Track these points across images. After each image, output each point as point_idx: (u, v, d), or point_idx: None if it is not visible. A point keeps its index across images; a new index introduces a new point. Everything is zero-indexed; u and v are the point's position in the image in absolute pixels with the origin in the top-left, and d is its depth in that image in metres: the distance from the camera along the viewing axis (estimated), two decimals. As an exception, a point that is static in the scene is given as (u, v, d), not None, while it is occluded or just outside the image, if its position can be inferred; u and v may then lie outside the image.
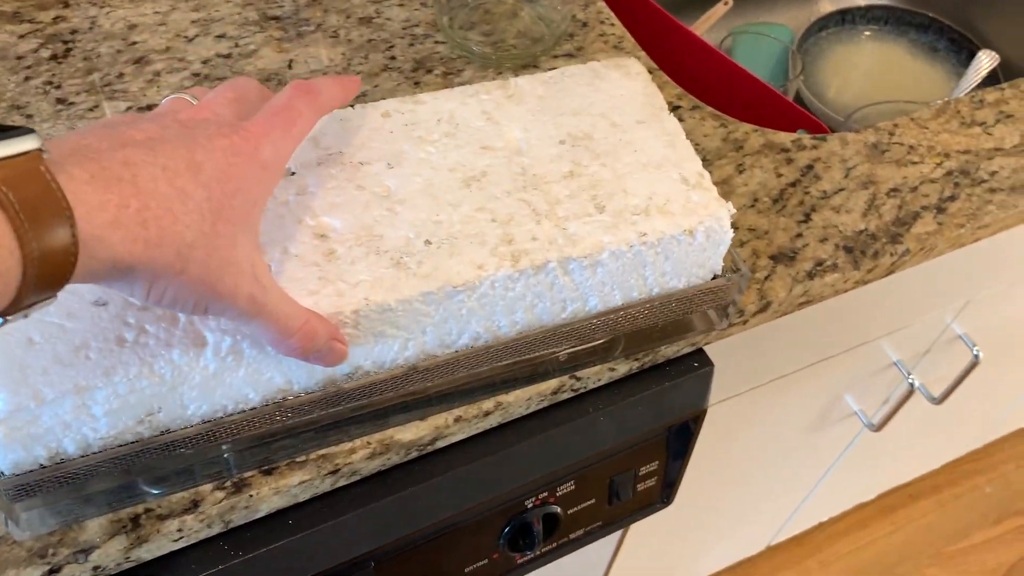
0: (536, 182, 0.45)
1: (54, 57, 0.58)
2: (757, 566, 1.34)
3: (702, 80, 0.78)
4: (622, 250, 0.42)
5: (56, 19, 0.61)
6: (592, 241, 0.42)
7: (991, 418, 1.31)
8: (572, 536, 0.57)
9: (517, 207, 0.43)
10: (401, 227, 0.42)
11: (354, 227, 0.42)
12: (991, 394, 1.16)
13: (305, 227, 0.42)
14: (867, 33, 1.01)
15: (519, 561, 0.56)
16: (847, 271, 0.53)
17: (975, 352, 0.85)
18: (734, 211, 0.44)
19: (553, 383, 0.47)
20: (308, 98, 0.38)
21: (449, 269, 0.41)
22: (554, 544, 0.57)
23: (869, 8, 1.01)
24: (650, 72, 0.62)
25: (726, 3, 0.93)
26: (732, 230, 0.44)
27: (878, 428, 0.88)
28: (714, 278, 0.46)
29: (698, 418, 0.54)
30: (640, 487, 0.57)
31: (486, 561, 0.54)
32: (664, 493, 0.60)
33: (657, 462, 0.57)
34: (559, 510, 0.54)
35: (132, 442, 0.38)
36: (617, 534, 0.78)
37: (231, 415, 0.39)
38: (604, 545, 0.78)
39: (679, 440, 0.56)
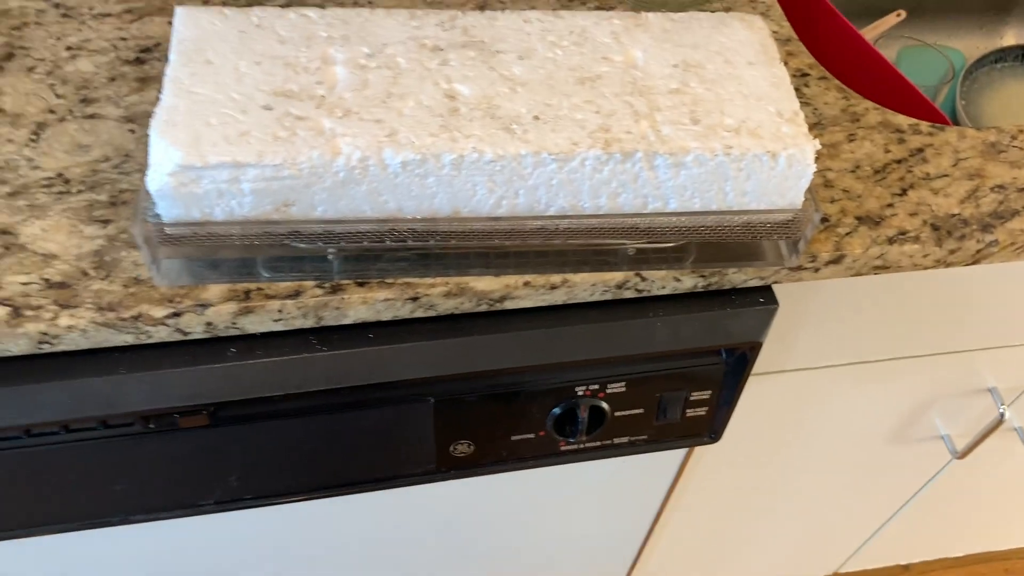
0: (643, 91, 0.50)
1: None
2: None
3: (851, 73, 0.80)
4: (706, 157, 0.47)
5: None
6: (680, 143, 0.47)
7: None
8: (616, 441, 0.62)
9: (621, 106, 0.49)
10: (517, 103, 0.48)
11: (478, 96, 0.49)
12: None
13: (439, 88, 0.49)
14: (1047, 73, 0.99)
15: (562, 448, 0.61)
16: (928, 246, 0.55)
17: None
18: (819, 147, 0.48)
19: (619, 276, 0.52)
20: None
21: (548, 140, 0.47)
22: (598, 443, 0.62)
23: (1056, 48, 0.98)
24: (787, 40, 0.66)
25: (899, 15, 0.94)
26: (815, 164, 0.48)
27: (962, 455, 0.87)
28: (790, 213, 0.50)
29: (753, 349, 0.58)
30: (689, 413, 0.61)
31: (532, 436, 0.60)
32: (712, 427, 0.63)
33: (709, 392, 0.60)
34: (606, 407, 0.59)
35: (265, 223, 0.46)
36: (667, 486, 0.81)
37: (345, 222, 0.47)
38: (651, 496, 0.82)
39: (732, 374, 0.59)
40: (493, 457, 0.61)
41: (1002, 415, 0.82)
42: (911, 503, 1.04)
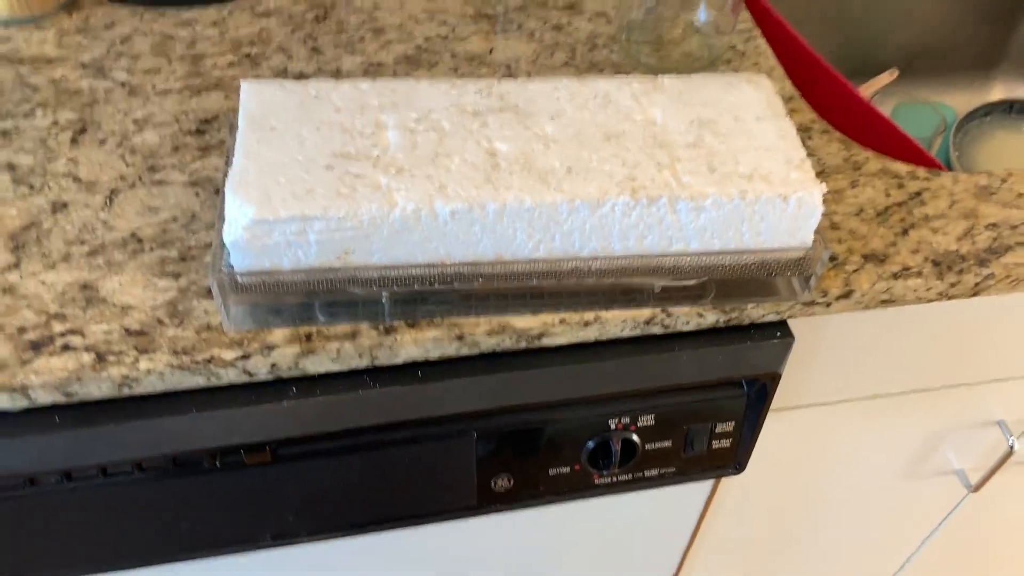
0: (663, 145, 0.55)
1: (316, 19, 0.75)
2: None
3: (850, 127, 0.86)
4: (723, 201, 0.52)
5: (322, -7, 0.78)
6: (700, 189, 0.52)
7: None
8: (647, 473, 0.66)
9: (644, 158, 0.54)
10: (551, 158, 0.54)
11: (516, 152, 0.54)
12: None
13: (481, 147, 0.54)
14: (1030, 124, 1.05)
15: (596, 480, 0.65)
16: (930, 280, 0.59)
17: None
18: (826, 189, 0.53)
19: (646, 312, 0.57)
20: None
21: (581, 188, 0.52)
22: (630, 475, 0.65)
23: (1038, 100, 1.04)
24: (790, 98, 0.72)
25: (892, 73, 1.00)
26: (822, 206, 0.53)
27: (976, 488, 0.90)
28: (801, 251, 0.55)
29: (773, 380, 0.62)
30: (715, 444, 0.65)
31: (568, 469, 0.63)
32: (737, 458, 0.67)
33: (732, 423, 0.64)
34: (637, 440, 0.63)
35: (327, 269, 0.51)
36: (695, 519, 0.84)
37: (398, 267, 0.52)
38: (680, 528, 0.85)
39: (754, 405, 0.63)
40: (531, 491, 0.64)
41: (1011, 447, 0.85)
42: (930, 540, 1.06)
